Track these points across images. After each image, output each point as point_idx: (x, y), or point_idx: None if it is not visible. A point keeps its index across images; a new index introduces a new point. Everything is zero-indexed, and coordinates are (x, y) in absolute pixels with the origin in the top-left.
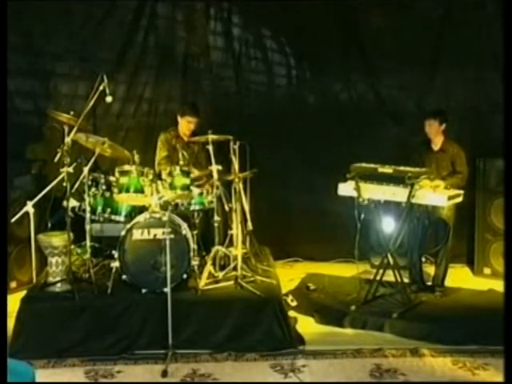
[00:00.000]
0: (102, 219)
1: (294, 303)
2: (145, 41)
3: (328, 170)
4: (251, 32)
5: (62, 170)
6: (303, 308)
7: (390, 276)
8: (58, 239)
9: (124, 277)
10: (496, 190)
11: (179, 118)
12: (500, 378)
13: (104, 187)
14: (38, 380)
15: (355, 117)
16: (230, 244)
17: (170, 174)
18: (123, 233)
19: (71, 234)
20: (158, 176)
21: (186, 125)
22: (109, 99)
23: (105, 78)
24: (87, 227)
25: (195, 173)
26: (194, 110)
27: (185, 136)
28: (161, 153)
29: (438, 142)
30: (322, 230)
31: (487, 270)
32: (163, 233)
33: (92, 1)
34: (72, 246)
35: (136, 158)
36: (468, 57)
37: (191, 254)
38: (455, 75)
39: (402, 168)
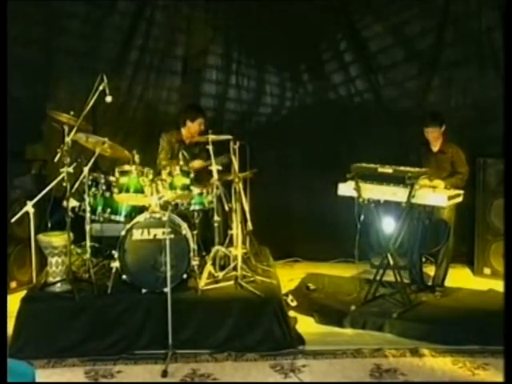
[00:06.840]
0: (102, 219)
1: (294, 303)
2: (145, 41)
3: (328, 170)
4: (250, 33)
5: (62, 170)
6: (303, 308)
7: (390, 276)
8: (58, 239)
9: (124, 277)
10: (496, 190)
11: (189, 123)
12: (500, 378)
13: (104, 187)
14: (38, 380)
15: (355, 117)
16: (230, 244)
17: (170, 174)
18: (123, 233)
19: (71, 234)
20: (158, 174)
21: (197, 128)
22: (109, 99)
23: (105, 77)
24: (87, 227)
25: (198, 164)
26: (201, 111)
27: (188, 139)
28: (164, 151)
29: (437, 144)
30: (322, 230)
31: (487, 270)
32: (163, 233)
33: (92, 1)
34: (72, 246)
35: (136, 158)
36: (468, 56)
37: (191, 254)
38: (455, 75)
39: (402, 168)
